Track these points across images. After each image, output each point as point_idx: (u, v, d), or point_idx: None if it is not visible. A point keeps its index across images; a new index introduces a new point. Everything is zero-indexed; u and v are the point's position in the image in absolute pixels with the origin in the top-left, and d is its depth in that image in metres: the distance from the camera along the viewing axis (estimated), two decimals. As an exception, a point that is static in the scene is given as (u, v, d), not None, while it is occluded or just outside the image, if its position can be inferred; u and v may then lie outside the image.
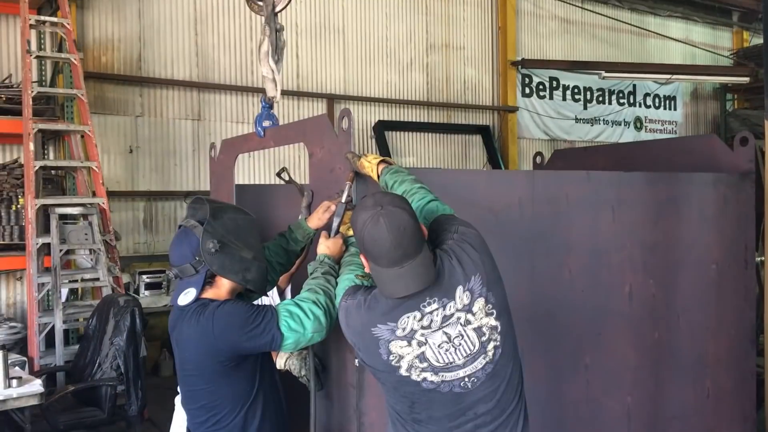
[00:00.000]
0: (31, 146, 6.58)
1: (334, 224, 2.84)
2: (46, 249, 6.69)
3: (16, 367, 5.37)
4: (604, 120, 13.48)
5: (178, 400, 3.91)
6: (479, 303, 2.13)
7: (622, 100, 13.80)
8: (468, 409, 2.19)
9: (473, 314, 2.13)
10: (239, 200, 3.95)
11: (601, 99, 13.46)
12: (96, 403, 5.23)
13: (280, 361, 3.08)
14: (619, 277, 3.63)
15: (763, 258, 4.83)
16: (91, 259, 7.06)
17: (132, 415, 5.30)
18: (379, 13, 10.73)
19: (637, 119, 14.00)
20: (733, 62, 14.42)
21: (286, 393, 2.92)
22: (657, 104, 14.34)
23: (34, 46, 7.35)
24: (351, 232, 2.79)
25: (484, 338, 2.14)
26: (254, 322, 2.48)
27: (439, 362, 2.13)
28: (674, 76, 12.77)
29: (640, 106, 14.06)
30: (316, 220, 2.95)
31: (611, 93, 13.59)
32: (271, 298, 3.51)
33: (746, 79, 12.76)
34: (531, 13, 12.48)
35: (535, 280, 3.40)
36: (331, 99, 10.16)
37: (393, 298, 2.11)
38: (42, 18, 7.12)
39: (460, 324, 2.12)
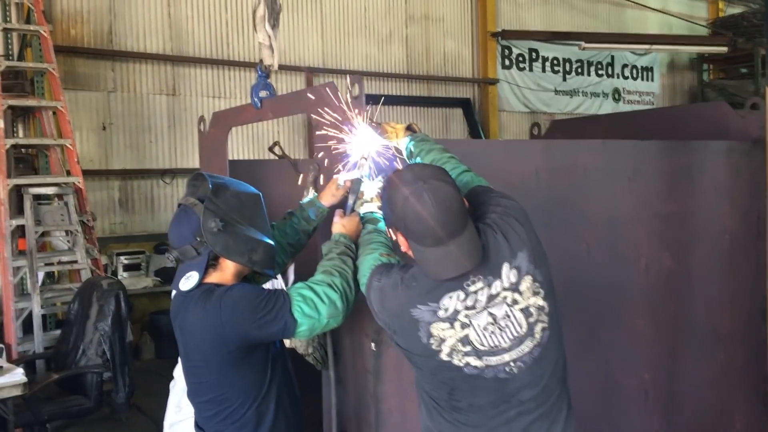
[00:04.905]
0: (1, 123, 6.29)
1: (350, 201, 2.63)
2: (20, 231, 6.40)
3: (-5, 356, 5.12)
4: (582, 92, 13.38)
5: (172, 385, 3.72)
6: (527, 281, 1.97)
7: (600, 72, 13.70)
8: (512, 396, 2.02)
9: (520, 293, 1.96)
10: (232, 177, 3.72)
11: (580, 70, 13.34)
12: (81, 391, 4.98)
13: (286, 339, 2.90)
14: (636, 251, 3.50)
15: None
16: (68, 241, 6.78)
17: (120, 402, 5.09)
18: (357, -17, 10.43)
19: (615, 90, 13.93)
20: (709, 32, 14.39)
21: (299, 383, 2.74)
22: (635, 75, 14.28)
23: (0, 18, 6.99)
24: (364, 209, 2.60)
25: (531, 319, 1.98)
26: (265, 308, 2.26)
27: (483, 345, 1.96)
28: (654, 46, 12.71)
29: (618, 77, 13.98)
30: (329, 197, 2.72)
31: (590, 64, 13.48)
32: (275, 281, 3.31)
33: (725, 49, 12.75)
34: (509, -18, 12.28)
35: (551, 253, 3.22)
36: (310, 72, 9.89)
37: (440, 279, 1.93)
38: (8, -13, 6.77)
39: (507, 304, 1.95)
